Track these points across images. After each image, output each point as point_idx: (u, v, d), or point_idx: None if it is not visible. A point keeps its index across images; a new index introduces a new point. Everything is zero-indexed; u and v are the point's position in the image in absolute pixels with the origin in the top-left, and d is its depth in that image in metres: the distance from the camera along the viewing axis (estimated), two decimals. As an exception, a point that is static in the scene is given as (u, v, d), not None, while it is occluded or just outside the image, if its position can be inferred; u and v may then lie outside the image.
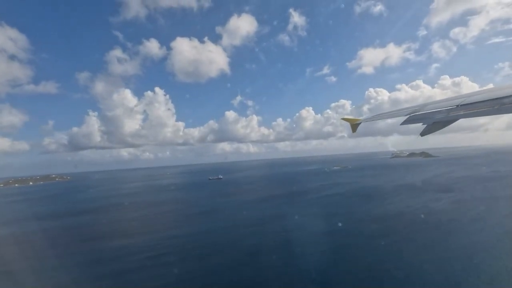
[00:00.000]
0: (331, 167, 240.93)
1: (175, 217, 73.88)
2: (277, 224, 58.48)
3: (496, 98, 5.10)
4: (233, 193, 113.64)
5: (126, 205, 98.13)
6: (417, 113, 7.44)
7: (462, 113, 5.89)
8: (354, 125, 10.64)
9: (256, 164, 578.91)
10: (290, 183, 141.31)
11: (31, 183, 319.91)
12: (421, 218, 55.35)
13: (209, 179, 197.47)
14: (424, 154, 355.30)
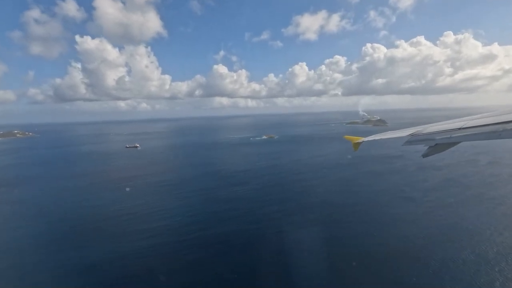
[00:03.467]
0: (260, 137, 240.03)
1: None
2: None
3: (499, 123, 5.17)
4: (85, 173, 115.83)
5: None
6: (419, 134, 7.60)
7: (464, 135, 5.99)
8: (356, 144, 10.98)
9: (231, 123, 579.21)
10: (179, 159, 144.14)
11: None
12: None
13: (126, 147, 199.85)
14: (379, 122, 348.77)
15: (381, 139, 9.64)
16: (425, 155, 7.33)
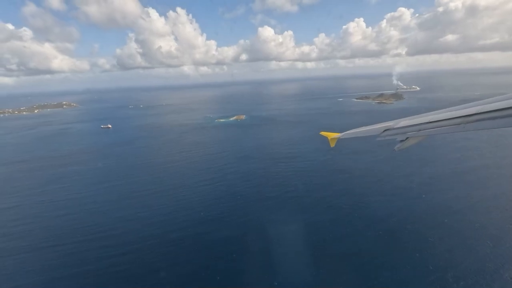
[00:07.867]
0: (229, 118, 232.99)
1: None
2: None
3: (462, 116, 5.65)
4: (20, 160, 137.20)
5: None
6: (391, 129, 8.08)
7: (431, 129, 6.43)
8: (332, 139, 11.66)
9: (261, 92, 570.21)
10: (115, 145, 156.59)
11: (36, 111, 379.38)
12: None
13: (101, 127, 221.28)
14: (395, 96, 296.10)
15: (356, 136, 9.78)
16: (397, 148, 7.69)
